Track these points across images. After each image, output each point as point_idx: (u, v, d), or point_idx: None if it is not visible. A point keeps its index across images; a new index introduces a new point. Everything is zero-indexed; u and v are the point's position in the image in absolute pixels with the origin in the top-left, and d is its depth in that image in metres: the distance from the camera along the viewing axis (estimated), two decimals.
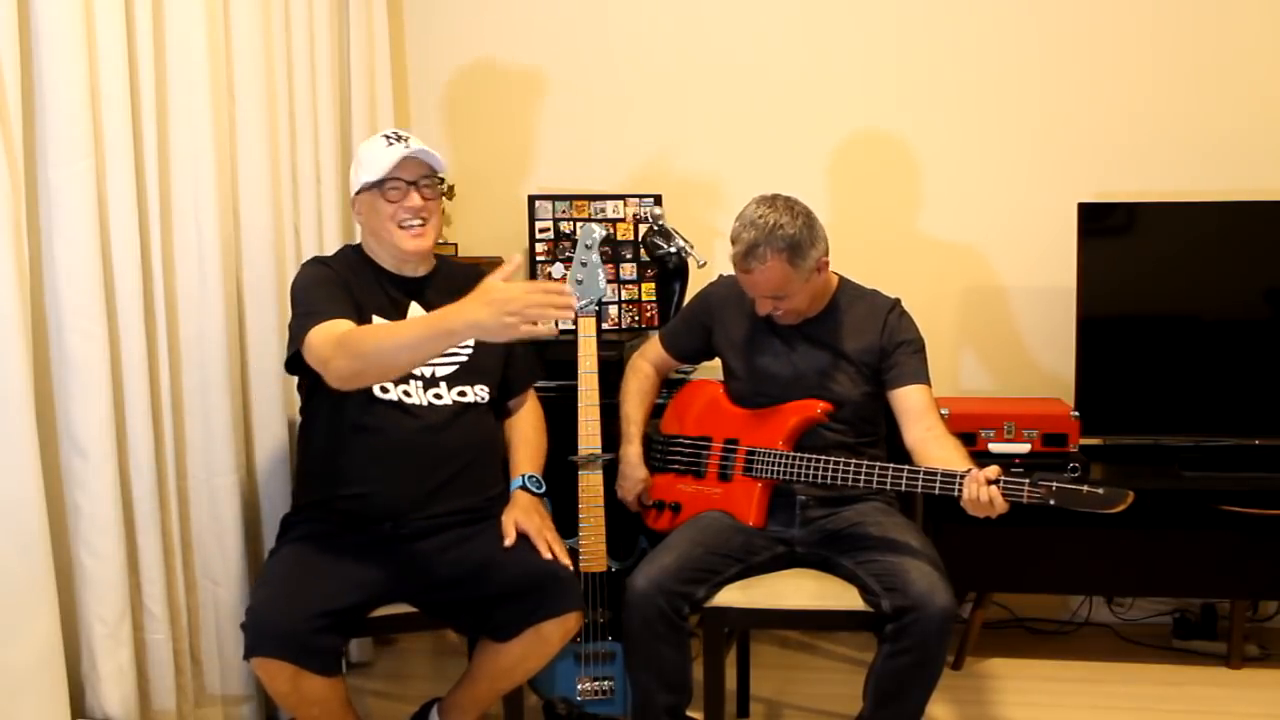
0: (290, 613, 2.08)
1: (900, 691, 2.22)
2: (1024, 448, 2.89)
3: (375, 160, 2.30)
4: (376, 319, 2.31)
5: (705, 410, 2.58)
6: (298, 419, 2.75)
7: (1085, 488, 2.02)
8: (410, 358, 2.08)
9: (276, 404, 2.68)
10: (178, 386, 2.44)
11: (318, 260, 2.41)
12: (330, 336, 2.13)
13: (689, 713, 2.41)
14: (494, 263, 3.23)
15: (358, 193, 2.35)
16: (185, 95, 2.40)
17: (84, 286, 2.14)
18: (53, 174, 2.10)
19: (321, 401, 2.29)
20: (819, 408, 2.39)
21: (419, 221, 2.32)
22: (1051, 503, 2.05)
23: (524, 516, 2.33)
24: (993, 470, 2.12)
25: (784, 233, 2.28)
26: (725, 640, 2.47)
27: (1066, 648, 3.16)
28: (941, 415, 2.87)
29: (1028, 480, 2.08)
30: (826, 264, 2.39)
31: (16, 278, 1.96)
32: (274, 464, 2.69)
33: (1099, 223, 2.98)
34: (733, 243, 2.33)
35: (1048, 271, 3.16)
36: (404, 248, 2.33)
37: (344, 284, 2.31)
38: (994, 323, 3.26)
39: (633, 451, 2.59)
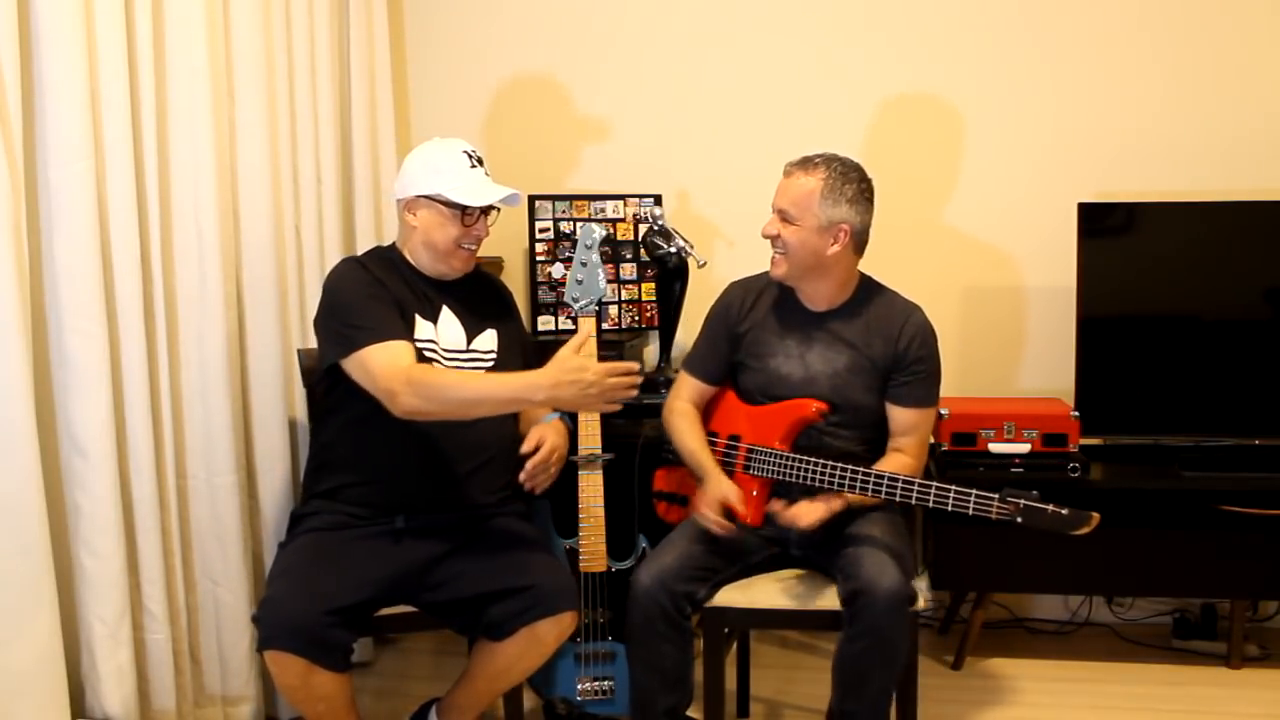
0: (305, 607, 2.09)
1: (861, 679, 2.21)
2: (1024, 448, 2.89)
3: (464, 181, 2.34)
4: (419, 320, 2.34)
5: (714, 406, 2.57)
6: (298, 419, 2.76)
7: (1050, 508, 2.04)
8: (485, 412, 2.23)
9: (276, 404, 2.68)
10: (178, 386, 2.44)
11: (356, 261, 2.40)
12: (398, 370, 2.18)
13: (689, 713, 2.41)
14: (494, 262, 3.26)
15: (425, 196, 2.34)
16: (185, 96, 2.40)
17: (84, 286, 2.14)
18: (53, 174, 2.10)
19: (345, 397, 2.29)
20: (814, 407, 2.38)
21: (475, 246, 2.40)
22: (1019, 520, 2.06)
23: (556, 437, 2.38)
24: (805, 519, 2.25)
25: (840, 165, 2.35)
26: (725, 640, 2.47)
27: (1066, 648, 3.16)
28: (941, 415, 2.91)
29: (996, 496, 2.09)
30: (844, 235, 2.34)
31: (16, 278, 1.97)
32: (274, 464, 2.69)
33: (1099, 223, 2.98)
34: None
35: (1048, 271, 3.16)
36: (457, 267, 2.41)
37: (383, 287, 2.33)
38: (994, 323, 3.26)
39: (709, 474, 2.39)
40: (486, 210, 2.39)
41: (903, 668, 2.28)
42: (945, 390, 3.19)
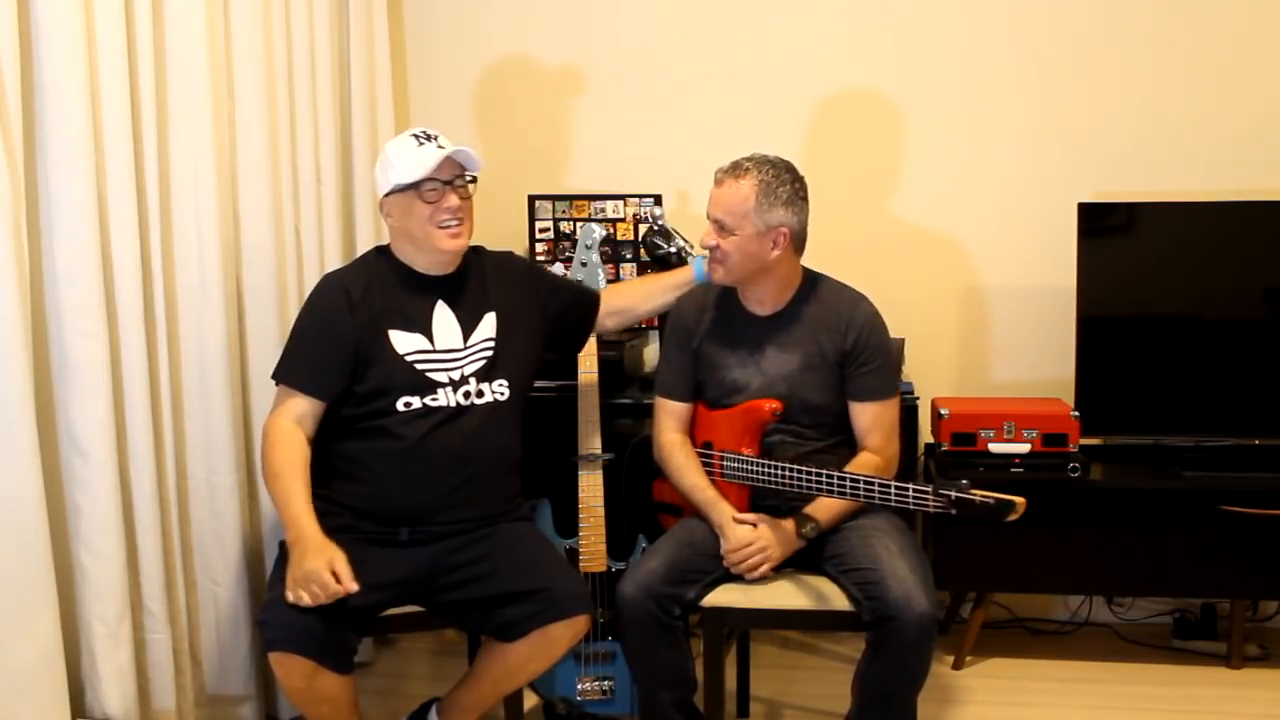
0: (310, 609, 2.07)
1: (885, 697, 2.22)
2: (1024, 448, 2.89)
3: (408, 160, 2.27)
4: (393, 334, 2.29)
5: None
6: None
7: (978, 498, 2.02)
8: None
9: None
10: (178, 386, 2.44)
11: (336, 281, 2.35)
12: (274, 424, 2.25)
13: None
14: None
15: (388, 194, 2.31)
16: (185, 95, 2.40)
17: (84, 286, 2.14)
18: (53, 174, 2.10)
19: (341, 403, 2.29)
20: (768, 407, 2.34)
21: (456, 221, 2.30)
22: (954, 512, 2.05)
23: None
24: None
25: (771, 168, 2.30)
26: (725, 640, 2.47)
27: (1066, 648, 3.16)
28: (941, 415, 2.91)
29: (930, 491, 2.07)
30: (784, 238, 2.31)
31: (16, 278, 1.97)
32: None
33: (1099, 223, 2.98)
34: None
35: (1048, 271, 3.16)
36: (442, 248, 2.31)
37: (346, 320, 2.28)
38: (994, 323, 3.26)
39: (721, 512, 2.36)
40: (451, 181, 2.29)
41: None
42: (946, 390, 3.23)
